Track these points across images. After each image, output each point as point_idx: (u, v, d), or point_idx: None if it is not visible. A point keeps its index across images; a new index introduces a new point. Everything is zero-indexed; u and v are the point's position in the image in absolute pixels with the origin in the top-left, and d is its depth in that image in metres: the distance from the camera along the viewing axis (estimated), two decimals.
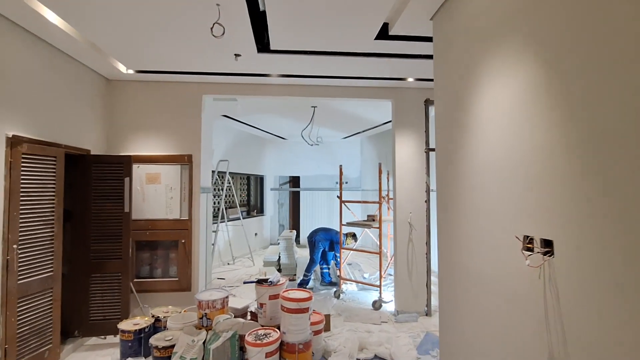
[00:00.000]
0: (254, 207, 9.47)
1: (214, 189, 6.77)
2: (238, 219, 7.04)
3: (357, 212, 9.27)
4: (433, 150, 4.45)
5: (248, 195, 8.59)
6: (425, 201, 4.27)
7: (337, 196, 5.02)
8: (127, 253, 3.56)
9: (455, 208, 2.19)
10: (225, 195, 7.33)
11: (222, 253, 6.89)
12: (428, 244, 4.25)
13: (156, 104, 4.07)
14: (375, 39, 2.94)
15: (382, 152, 8.05)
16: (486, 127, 1.81)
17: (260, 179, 9.28)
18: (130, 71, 3.78)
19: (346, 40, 3.01)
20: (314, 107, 5.32)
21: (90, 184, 3.51)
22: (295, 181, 10.05)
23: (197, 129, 4.09)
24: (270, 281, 3.18)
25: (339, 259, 5.15)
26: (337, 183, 9.16)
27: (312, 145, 5.70)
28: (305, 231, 9.28)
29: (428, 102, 4.31)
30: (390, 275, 5.37)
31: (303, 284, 5.13)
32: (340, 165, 4.98)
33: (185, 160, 4.03)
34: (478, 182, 1.90)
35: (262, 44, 3.17)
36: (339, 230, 5.07)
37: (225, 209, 7.35)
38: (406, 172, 4.32)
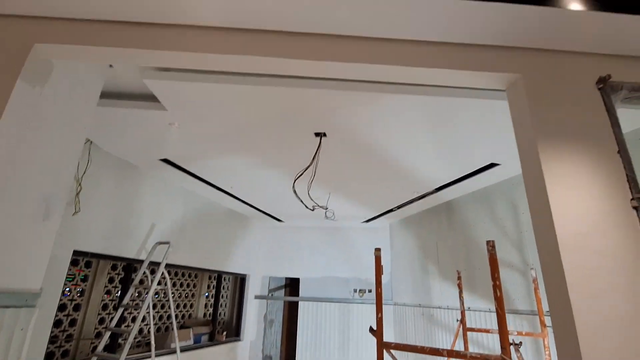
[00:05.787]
0: (226, 326, 6.14)
1: (137, 293, 3.76)
2: (172, 352, 3.78)
3: None
4: None
5: (215, 307, 5.41)
6: None
7: (371, 331, 1.98)
8: None
9: None
10: (158, 305, 4.24)
11: None
12: None
13: None
14: None
15: (427, 241, 5.10)
16: None
17: (240, 281, 6.18)
18: None
19: None
20: (321, 134, 2.72)
21: None
22: (293, 286, 6.87)
23: None
24: None
25: None
26: (357, 291, 5.96)
27: (313, 209, 2.90)
28: None
29: (608, 83, 1.66)
30: None
31: None
32: (378, 250, 2.09)
33: None
34: None
35: None
36: None
37: (155, 331, 4.16)
38: (593, 269, 1.39)
